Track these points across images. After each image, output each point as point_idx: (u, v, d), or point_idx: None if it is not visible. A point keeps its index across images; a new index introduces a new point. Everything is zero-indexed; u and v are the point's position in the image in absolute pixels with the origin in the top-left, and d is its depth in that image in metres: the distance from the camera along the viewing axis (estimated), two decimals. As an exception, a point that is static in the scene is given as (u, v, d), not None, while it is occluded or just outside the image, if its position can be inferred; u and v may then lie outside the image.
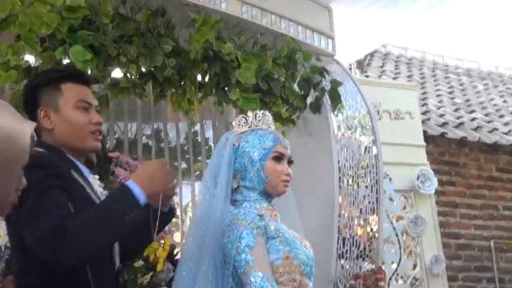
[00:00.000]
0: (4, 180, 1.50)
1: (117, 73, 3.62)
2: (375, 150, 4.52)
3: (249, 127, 2.45)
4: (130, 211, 1.94)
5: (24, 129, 1.53)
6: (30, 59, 3.19)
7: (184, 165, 4.97)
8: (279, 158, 2.39)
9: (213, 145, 5.08)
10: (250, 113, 2.48)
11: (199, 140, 4.98)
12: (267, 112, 2.49)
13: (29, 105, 2.19)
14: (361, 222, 4.35)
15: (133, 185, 1.98)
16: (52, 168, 1.98)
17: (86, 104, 2.16)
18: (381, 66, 8.51)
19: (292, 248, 2.27)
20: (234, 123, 2.50)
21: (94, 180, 2.22)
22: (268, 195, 2.40)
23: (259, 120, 2.46)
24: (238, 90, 3.69)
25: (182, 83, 3.74)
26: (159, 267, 3.32)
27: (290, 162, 2.44)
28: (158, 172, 2.06)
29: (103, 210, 1.95)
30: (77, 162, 2.15)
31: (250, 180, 2.39)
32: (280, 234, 2.28)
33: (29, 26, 3.03)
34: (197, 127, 5.02)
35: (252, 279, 2.17)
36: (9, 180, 1.51)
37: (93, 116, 2.17)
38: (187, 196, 4.94)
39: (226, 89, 3.79)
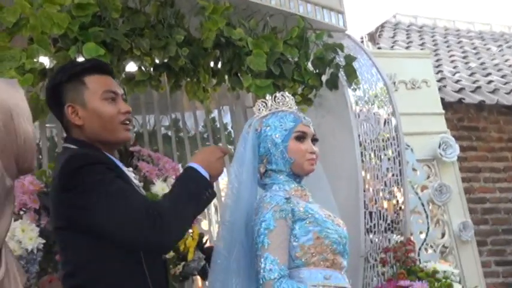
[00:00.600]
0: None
1: (131, 67, 3.62)
2: (394, 122, 4.49)
3: (270, 110, 2.45)
4: (205, 189, 1.99)
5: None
6: (44, 60, 3.20)
7: (205, 152, 4.95)
8: (301, 137, 2.39)
9: (232, 130, 5.08)
10: (268, 97, 2.48)
11: (218, 126, 4.97)
12: (286, 93, 2.49)
13: (53, 104, 2.16)
14: (387, 195, 4.34)
15: (197, 166, 2.00)
16: (104, 163, 1.98)
17: (113, 94, 2.13)
18: (392, 37, 8.44)
19: (323, 228, 2.28)
20: (254, 108, 2.50)
21: (130, 173, 2.22)
22: (296, 175, 2.41)
23: (279, 103, 2.46)
24: (250, 76, 3.68)
25: (196, 72, 3.74)
26: (189, 257, 3.33)
27: (315, 140, 2.43)
28: (215, 157, 2.07)
29: (182, 192, 1.97)
30: (112, 157, 2.14)
31: (276, 163, 2.40)
32: (310, 215, 2.28)
33: (40, 28, 3.03)
34: (215, 114, 5.01)
35: (262, 261, 2.20)
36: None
37: (121, 105, 2.14)
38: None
39: (238, 74, 3.78)
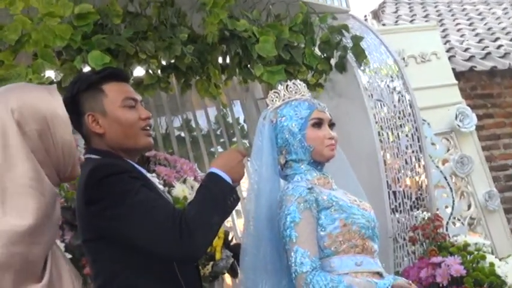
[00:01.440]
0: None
1: (138, 71, 3.61)
2: (408, 98, 4.46)
3: (283, 100, 2.42)
4: (230, 194, 1.97)
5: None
6: (50, 74, 3.18)
7: (220, 149, 4.95)
8: (318, 123, 2.35)
9: (244, 124, 5.05)
10: (280, 86, 2.45)
11: (231, 121, 4.94)
12: (297, 81, 2.46)
13: (72, 115, 2.13)
14: (408, 172, 4.31)
15: (219, 171, 1.98)
16: (129, 172, 1.97)
17: (132, 101, 2.12)
18: (395, 12, 8.36)
19: (349, 214, 2.25)
20: (267, 100, 2.47)
21: (154, 178, 2.21)
22: (317, 163, 2.37)
23: (291, 91, 2.43)
24: (261, 65, 3.65)
25: (205, 69, 3.71)
26: (217, 256, 3.31)
27: (332, 125, 2.39)
28: (236, 161, 2.04)
29: (207, 198, 1.95)
30: (135, 165, 2.13)
31: (295, 153, 2.37)
32: (334, 203, 2.25)
33: (43, 41, 3.01)
34: (226, 109, 4.99)
35: (293, 255, 2.17)
36: None
37: (141, 111, 2.12)
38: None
39: (249, 66, 3.76)
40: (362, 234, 2.25)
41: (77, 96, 2.11)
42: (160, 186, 2.21)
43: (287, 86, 2.44)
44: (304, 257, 2.15)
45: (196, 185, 3.47)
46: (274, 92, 2.45)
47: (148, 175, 2.18)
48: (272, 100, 2.45)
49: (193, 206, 1.92)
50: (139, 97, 2.17)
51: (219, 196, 1.94)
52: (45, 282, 1.53)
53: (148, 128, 2.13)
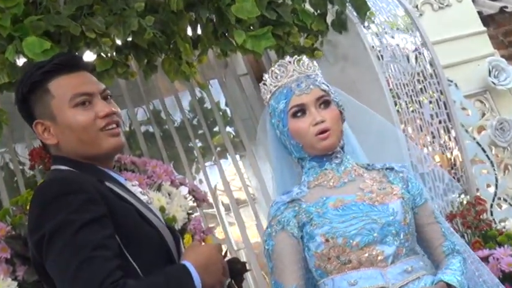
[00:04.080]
0: None
1: (88, 57, 3.59)
2: (427, 55, 4.46)
3: (270, 92, 2.45)
4: None
5: None
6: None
7: (200, 143, 4.94)
8: (297, 112, 2.38)
9: (227, 108, 5.05)
10: (266, 75, 2.47)
11: (209, 107, 4.93)
12: (285, 60, 2.46)
13: (29, 122, 2.13)
14: (437, 148, 4.31)
15: (193, 271, 1.96)
16: (81, 192, 1.92)
17: (85, 97, 2.08)
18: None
19: (331, 227, 2.28)
20: (262, 94, 2.51)
21: (134, 187, 2.19)
22: (320, 157, 2.40)
23: (277, 77, 2.44)
24: (241, 30, 3.64)
25: (172, 44, 3.69)
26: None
27: (324, 103, 2.39)
28: (214, 259, 2.05)
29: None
30: (108, 171, 2.12)
31: (292, 152, 2.45)
32: (313, 215, 2.31)
33: (-39, 32, 3.00)
34: (201, 92, 4.98)
35: None
36: None
37: (99, 107, 2.08)
38: (214, 179, 4.95)
39: (226, 34, 3.75)
40: (356, 243, 2.27)
41: (25, 101, 2.10)
42: (145, 197, 2.19)
43: (272, 72, 2.46)
44: None
45: (174, 191, 3.47)
46: (263, 83, 2.48)
47: (129, 184, 2.17)
48: (263, 93, 2.49)
49: (141, 285, 1.89)
50: (98, 87, 2.13)
51: None
52: None
53: (111, 127, 2.10)
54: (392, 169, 2.47)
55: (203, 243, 3.00)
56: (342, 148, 2.44)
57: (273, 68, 2.45)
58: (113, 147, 2.11)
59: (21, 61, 3.25)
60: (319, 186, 2.36)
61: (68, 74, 2.10)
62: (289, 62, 2.45)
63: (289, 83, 2.40)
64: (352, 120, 2.57)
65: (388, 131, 4.17)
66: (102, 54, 3.52)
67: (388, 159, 4.09)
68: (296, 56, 2.46)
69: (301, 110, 2.36)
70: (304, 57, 2.47)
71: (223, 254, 2.13)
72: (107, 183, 2.05)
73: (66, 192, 1.90)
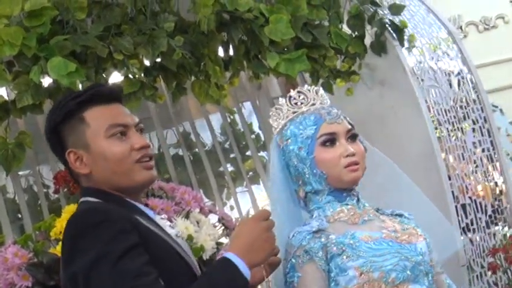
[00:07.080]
0: None
1: (115, 78, 3.60)
2: (471, 79, 4.44)
3: (287, 117, 2.43)
4: None
5: None
6: (2, 92, 3.20)
7: (231, 167, 4.94)
8: (328, 140, 2.35)
9: (260, 131, 5.05)
10: (282, 100, 2.46)
11: (242, 130, 4.94)
12: (305, 87, 2.46)
13: (57, 152, 2.17)
14: (480, 178, 4.28)
15: (236, 259, 1.97)
16: (112, 222, 1.94)
17: (121, 128, 2.12)
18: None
19: (367, 260, 2.24)
20: (270, 120, 2.49)
21: (163, 221, 2.20)
22: (341, 191, 2.37)
23: (296, 103, 2.43)
24: (275, 53, 3.63)
25: (202, 66, 3.70)
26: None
27: (352, 136, 2.38)
28: (255, 233, 2.04)
29: None
30: (137, 204, 2.14)
31: (310, 183, 2.38)
32: (346, 247, 2.26)
33: (-14, 52, 3.02)
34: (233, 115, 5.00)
35: None
36: None
37: (134, 139, 2.12)
38: (246, 205, 4.94)
39: (259, 56, 3.75)
40: (392, 280, 2.24)
41: (56, 129, 2.13)
42: (173, 231, 2.20)
43: (289, 97, 2.44)
44: None
45: (203, 219, 3.46)
46: (276, 108, 2.46)
47: (157, 218, 2.19)
48: (275, 119, 2.46)
49: None
50: (133, 120, 2.17)
51: None
52: None
53: (146, 159, 2.13)
54: (401, 215, 2.42)
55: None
56: None
57: (290, 94, 2.44)
58: (147, 180, 2.15)
59: (45, 81, 3.26)
60: (339, 222, 2.31)
61: (104, 105, 2.13)
62: (308, 90, 2.45)
63: (317, 110, 2.39)
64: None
65: (429, 159, 4.19)
66: (129, 75, 3.52)
67: (427, 188, 4.08)
68: (314, 86, 2.46)
69: (331, 140, 2.34)
70: (321, 89, 2.48)
71: (264, 218, 2.09)
72: (136, 217, 2.05)
73: (97, 222, 1.92)
